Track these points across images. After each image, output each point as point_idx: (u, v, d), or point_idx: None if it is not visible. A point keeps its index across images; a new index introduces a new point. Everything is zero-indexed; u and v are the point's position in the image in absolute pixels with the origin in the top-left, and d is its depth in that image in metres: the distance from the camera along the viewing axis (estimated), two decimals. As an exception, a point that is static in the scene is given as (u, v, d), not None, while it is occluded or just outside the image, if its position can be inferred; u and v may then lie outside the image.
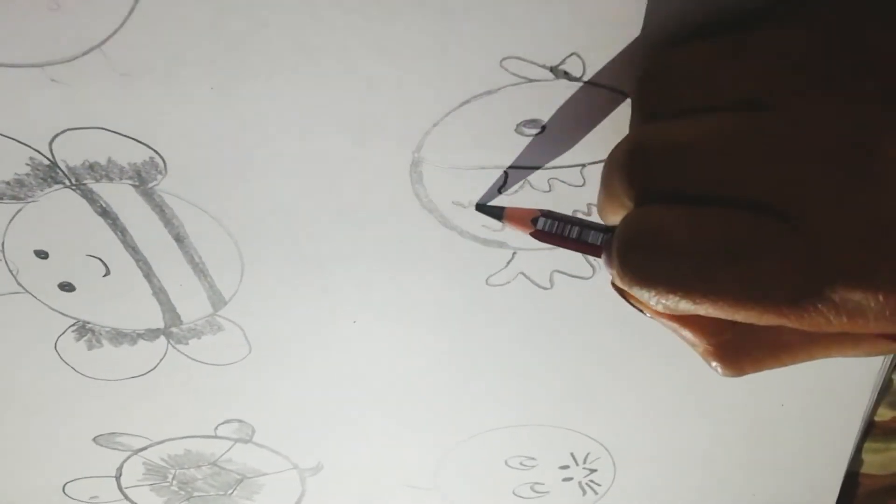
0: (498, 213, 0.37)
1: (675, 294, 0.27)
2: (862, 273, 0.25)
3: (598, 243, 0.34)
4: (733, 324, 0.30)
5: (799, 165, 0.26)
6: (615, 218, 0.30)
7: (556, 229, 0.34)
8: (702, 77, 0.29)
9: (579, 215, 0.38)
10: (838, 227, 0.25)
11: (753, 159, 0.27)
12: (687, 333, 0.32)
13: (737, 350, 0.31)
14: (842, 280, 0.25)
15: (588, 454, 0.51)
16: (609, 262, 0.30)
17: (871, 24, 0.27)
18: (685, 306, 0.27)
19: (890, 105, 0.26)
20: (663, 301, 0.28)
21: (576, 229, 0.34)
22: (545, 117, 0.35)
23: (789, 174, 0.26)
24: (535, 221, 0.35)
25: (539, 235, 0.35)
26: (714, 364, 0.32)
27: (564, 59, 0.33)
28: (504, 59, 0.33)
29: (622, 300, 0.31)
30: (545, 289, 0.42)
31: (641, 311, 0.31)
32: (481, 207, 0.37)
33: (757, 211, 0.26)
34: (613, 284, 0.31)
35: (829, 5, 0.28)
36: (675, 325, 0.31)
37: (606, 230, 0.33)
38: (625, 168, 0.29)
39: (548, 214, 0.35)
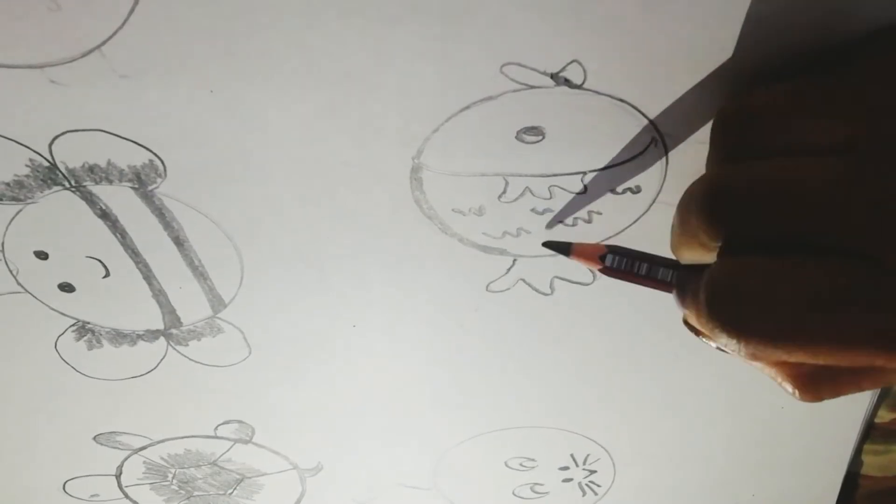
0: (565, 249, 0.36)
1: (770, 346, 0.27)
2: None
3: (668, 280, 0.33)
4: None
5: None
6: (691, 255, 0.30)
7: (624, 266, 0.34)
8: (791, 119, 0.28)
9: (580, 223, 0.38)
10: None
11: (850, 205, 0.26)
12: (767, 368, 0.31)
13: (816, 376, 0.31)
14: None
15: (588, 455, 0.51)
16: (684, 303, 0.30)
17: None
18: (777, 356, 0.27)
19: None
20: (754, 351, 0.27)
21: (644, 266, 0.34)
22: (546, 124, 0.35)
23: (887, 222, 0.26)
24: (603, 258, 0.34)
25: (607, 272, 0.35)
26: (791, 390, 0.31)
27: (565, 66, 0.33)
28: (504, 65, 0.33)
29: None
30: (546, 294, 0.41)
31: (715, 346, 0.31)
32: (548, 244, 0.37)
33: (849, 256, 0.26)
34: (685, 321, 0.31)
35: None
36: (755, 363, 0.31)
37: (676, 266, 0.33)
38: (708, 209, 0.28)
39: (615, 251, 0.34)
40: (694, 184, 0.30)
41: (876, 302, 0.26)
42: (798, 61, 0.31)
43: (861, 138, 0.27)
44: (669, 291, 0.33)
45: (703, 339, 0.32)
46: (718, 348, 0.30)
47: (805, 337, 0.26)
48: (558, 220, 0.38)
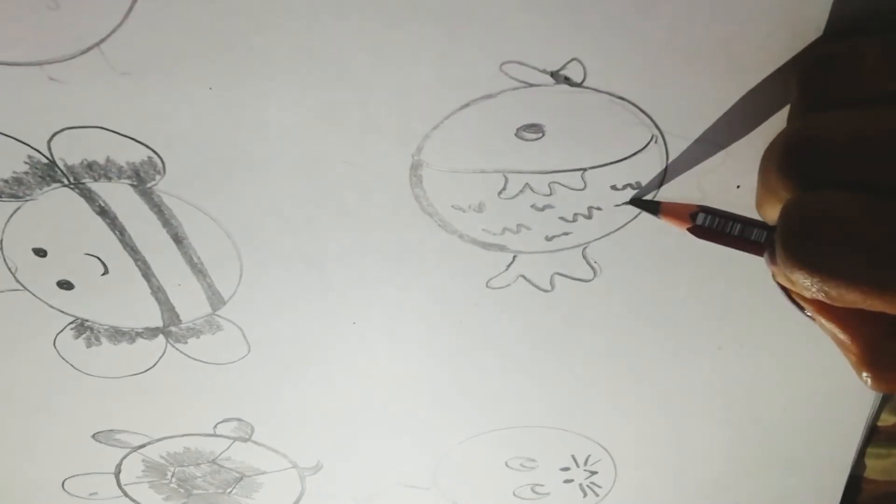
0: (654, 208, 0.36)
1: (851, 286, 0.26)
2: None
3: (762, 241, 0.32)
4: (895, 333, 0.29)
5: None
6: (774, 214, 0.29)
7: (716, 225, 0.33)
8: (882, 69, 0.28)
9: (580, 219, 0.38)
10: None
11: None
12: (844, 337, 0.30)
13: (891, 365, 0.30)
14: None
15: (589, 456, 0.51)
16: (772, 258, 0.29)
17: None
18: (852, 297, 0.26)
19: None
20: (828, 290, 0.27)
21: (737, 226, 0.33)
22: (546, 122, 0.35)
23: None
24: (693, 217, 0.34)
25: (697, 231, 0.34)
26: (865, 375, 0.30)
27: (565, 65, 0.33)
28: (504, 63, 0.33)
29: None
30: (546, 291, 0.41)
31: (803, 309, 0.30)
32: (636, 201, 0.37)
33: None
34: (777, 282, 0.30)
35: None
36: (834, 327, 0.30)
37: (769, 228, 0.32)
38: (784, 160, 0.28)
39: (707, 210, 0.34)
40: (774, 139, 0.29)
41: None
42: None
43: None
44: (761, 254, 0.32)
45: (792, 300, 0.31)
46: (801, 308, 0.30)
47: (880, 276, 0.26)
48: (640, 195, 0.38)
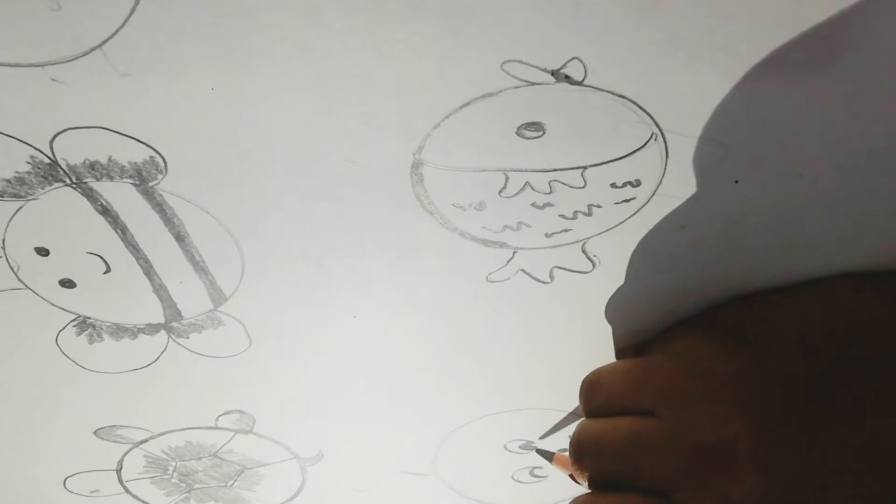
0: (549, 457, 0.48)
1: None
2: None
3: None
4: None
5: (676, 458, 0.37)
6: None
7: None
8: (621, 390, 0.41)
9: (580, 216, 0.38)
10: None
11: (647, 453, 0.38)
12: None
13: None
14: None
15: (585, 440, 0.52)
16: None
17: (713, 355, 0.39)
18: None
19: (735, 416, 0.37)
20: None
21: None
22: (546, 120, 0.35)
23: (668, 465, 0.37)
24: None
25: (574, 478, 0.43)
26: None
27: (566, 63, 0.33)
28: (505, 62, 0.33)
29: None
30: (545, 283, 0.42)
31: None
32: (540, 451, 0.49)
33: (651, 493, 0.38)
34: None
35: (683, 342, 0.41)
36: None
37: None
38: (571, 454, 0.42)
39: None
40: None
41: None
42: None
43: (656, 406, 0.39)
44: None
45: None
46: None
47: None
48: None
